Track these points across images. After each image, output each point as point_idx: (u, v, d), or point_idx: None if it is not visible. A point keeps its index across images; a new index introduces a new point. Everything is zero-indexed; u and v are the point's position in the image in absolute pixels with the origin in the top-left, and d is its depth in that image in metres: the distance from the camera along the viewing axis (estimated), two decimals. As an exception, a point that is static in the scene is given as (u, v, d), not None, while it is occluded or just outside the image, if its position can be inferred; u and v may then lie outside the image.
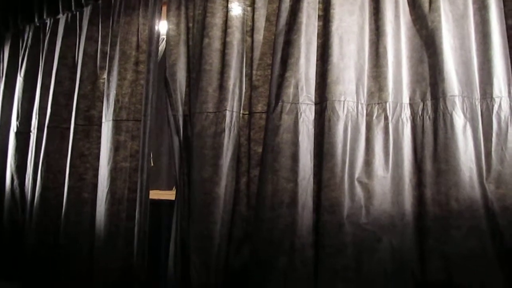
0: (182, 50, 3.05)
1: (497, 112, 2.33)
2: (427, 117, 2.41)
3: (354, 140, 2.46)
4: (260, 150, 2.71)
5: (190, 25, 3.06)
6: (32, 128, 3.84)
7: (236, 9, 2.88)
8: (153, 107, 3.20)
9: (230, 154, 2.76)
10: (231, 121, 2.78)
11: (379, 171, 2.42)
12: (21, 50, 4.15)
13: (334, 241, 2.36)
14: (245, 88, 2.85)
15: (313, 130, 2.55)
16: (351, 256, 2.35)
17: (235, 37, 2.85)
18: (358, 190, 2.41)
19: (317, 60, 2.61)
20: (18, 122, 3.98)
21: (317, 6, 2.65)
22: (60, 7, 3.79)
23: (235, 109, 2.81)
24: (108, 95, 3.28)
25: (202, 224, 2.74)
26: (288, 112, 2.54)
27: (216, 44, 2.89)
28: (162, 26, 3.34)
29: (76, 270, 3.25)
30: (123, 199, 3.12)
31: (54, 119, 3.60)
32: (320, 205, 2.43)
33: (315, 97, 2.58)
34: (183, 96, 3.00)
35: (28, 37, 4.10)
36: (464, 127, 2.32)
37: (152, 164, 3.72)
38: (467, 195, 2.25)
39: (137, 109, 3.20)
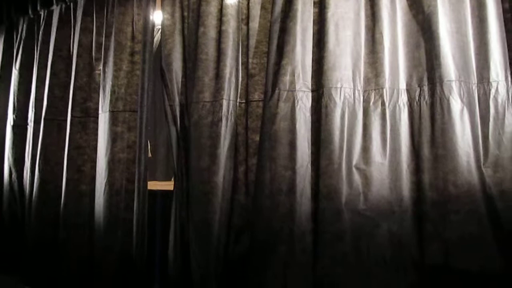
0: (177, 39, 3.03)
1: (494, 96, 2.33)
2: (424, 102, 2.40)
3: (351, 126, 2.45)
4: (257, 138, 2.70)
5: (185, 14, 3.04)
6: (28, 121, 3.83)
7: (231, -3, 2.87)
8: (150, 97, 3.20)
9: (227, 143, 2.76)
10: (228, 110, 2.78)
11: (377, 157, 2.42)
12: (16, 42, 4.12)
13: (333, 228, 2.37)
14: (242, 76, 2.84)
15: (310, 117, 2.54)
16: (350, 243, 2.36)
17: (231, 25, 2.83)
18: (356, 176, 2.41)
19: (313, 47, 2.59)
20: (14, 115, 3.97)
21: (313, -7, 2.63)
22: (54, -2, 3.77)
23: (231, 98, 2.80)
24: (104, 86, 3.27)
25: (201, 214, 2.75)
26: (285, 100, 2.54)
27: (212, 33, 2.88)
28: (157, 16, 3.32)
29: (75, 262, 3.26)
30: (121, 190, 3.12)
31: (50, 111, 3.59)
32: (318, 192, 2.44)
33: (311, 84, 2.57)
34: (180, 86, 2.99)
35: (22, 29, 4.07)
36: (461, 112, 2.31)
37: (150, 155, 3.71)
38: (465, 179, 2.26)
39: (134, 99, 3.19)
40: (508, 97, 2.32)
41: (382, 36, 2.49)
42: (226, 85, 2.79)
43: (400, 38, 2.50)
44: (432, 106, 2.37)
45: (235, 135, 2.80)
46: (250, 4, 2.84)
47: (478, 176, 2.27)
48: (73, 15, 3.64)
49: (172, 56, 3.00)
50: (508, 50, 2.38)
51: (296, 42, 2.56)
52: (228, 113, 2.77)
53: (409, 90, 2.46)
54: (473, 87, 2.36)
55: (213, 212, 2.71)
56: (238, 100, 2.82)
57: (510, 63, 2.37)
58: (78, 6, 3.60)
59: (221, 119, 2.77)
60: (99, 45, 3.42)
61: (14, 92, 4.01)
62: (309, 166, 2.49)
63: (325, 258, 2.38)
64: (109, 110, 3.19)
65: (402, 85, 2.47)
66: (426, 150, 2.36)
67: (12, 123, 3.97)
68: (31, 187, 3.64)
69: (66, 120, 3.46)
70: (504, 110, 2.31)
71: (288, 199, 2.45)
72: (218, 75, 2.82)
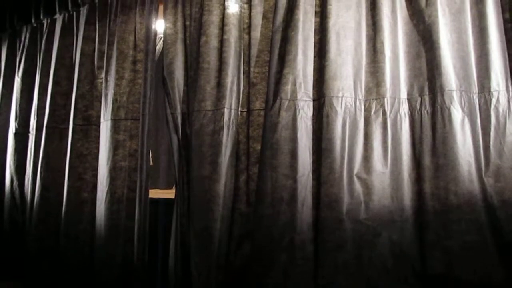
0: (179, 48, 3.04)
1: (495, 106, 2.33)
2: (425, 111, 2.41)
3: (353, 136, 2.46)
4: (259, 147, 2.71)
5: (187, 23, 3.05)
6: (30, 129, 3.85)
7: (233, 7, 2.88)
8: (151, 106, 3.21)
9: (229, 152, 2.77)
10: (229, 119, 2.78)
11: (378, 167, 2.42)
12: (19, 50, 4.15)
13: (334, 237, 2.37)
14: (243, 85, 2.84)
15: (311, 126, 2.55)
16: (351, 252, 2.35)
17: (232, 34, 2.85)
18: (357, 185, 2.41)
19: (314, 57, 2.61)
20: (16, 123, 3.98)
21: (314, 2, 2.65)
22: (57, 7, 3.79)
23: (233, 107, 2.81)
24: (106, 95, 3.28)
25: (202, 222, 2.74)
26: (286, 109, 2.54)
27: (214, 42, 2.89)
28: (159, 25, 3.34)
29: (77, 269, 3.26)
30: (122, 198, 3.13)
31: (52, 119, 3.60)
32: (319, 201, 2.44)
33: (313, 93, 2.58)
34: (181, 94, 3.00)
35: (25, 38, 4.10)
36: (462, 121, 2.32)
37: (151, 163, 3.72)
38: (466, 189, 2.26)
39: (135, 108, 3.20)
40: (509, 106, 2.32)
41: (383, 46, 2.50)
42: (227, 94, 2.80)
43: (401, 48, 2.51)
44: (433, 115, 2.38)
45: (236, 143, 2.80)
46: (251, 14, 2.85)
47: (479, 185, 2.27)
48: (76, 23, 3.67)
49: (174, 64, 3.01)
50: (509, 60, 2.38)
51: (297, 51, 2.57)
52: (229, 121, 2.78)
53: (410, 100, 2.47)
54: (474, 97, 2.37)
55: (214, 220, 2.70)
56: (239, 109, 2.82)
57: (511, 73, 2.37)
58: (80, 15, 3.62)
59: (222, 128, 2.77)
60: (101, 54, 3.43)
61: (16, 100, 4.03)
62: (310, 175, 2.49)
63: (326, 267, 2.37)
64: (111, 118, 3.20)
65: (403, 94, 2.47)
66: (427, 160, 2.36)
67: (14, 131, 3.98)
68: (32, 194, 3.64)
69: (68, 128, 3.47)
70: (505, 119, 2.31)
71: (289, 208, 2.45)
72: (220, 84, 2.83)
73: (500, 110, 2.32)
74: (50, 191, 3.51)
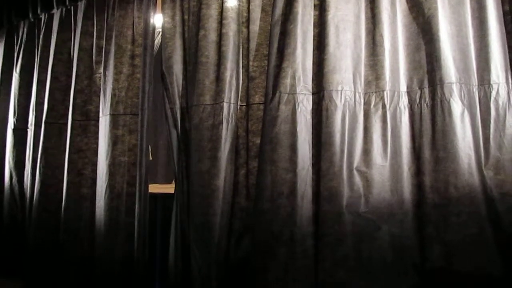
0: (178, 42, 3.04)
1: (495, 98, 2.32)
2: (425, 104, 2.40)
3: (352, 129, 2.45)
4: (258, 141, 2.70)
5: (186, 17, 3.05)
6: (29, 125, 3.84)
7: (231, 0, 2.87)
8: (150, 100, 3.20)
9: (228, 146, 2.76)
10: (228, 113, 2.78)
11: (378, 160, 2.42)
12: (16, 46, 4.13)
13: (334, 230, 2.36)
14: (242, 79, 2.84)
15: (311, 120, 2.54)
16: (351, 245, 2.35)
17: (231, 28, 2.84)
18: (357, 179, 2.41)
19: (313, 50, 2.59)
20: (15, 119, 3.97)
21: (313, -5, 2.64)
22: (54, 2, 3.77)
23: (232, 101, 2.80)
24: (104, 90, 3.27)
25: (202, 217, 2.74)
26: (285, 103, 2.53)
27: (212, 36, 2.88)
28: (157, 19, 3.33)
29: (76, 265, 3.26)
30: (122, 193, 3.12)
31: (51, 114, 3.59)
32: (319, 195, 2.43)
33: (312, 87, 2.57)
34: (180, 89, 3.00)
35: (22, 33, 4.08)
36: (462, 114, 2.31)
37: (150, 158, 3.71)
38: (466, 182, 2.25)
39: (134, 103, 3.19)
40: (509, 99, 2.32)
41: (383, 39, 2.48)
42: (226, 88, 2.79)
43: (400, 41, 2.50)
44: (432, 108, 2.37)
45: (235, 138, 2.79)
46: (250, 7, 2.84)
47: (479, 178, 2.26)
48: (74, 18, 3.65)
49: (172, 59, 3.01)
50: (509, 52, 2.38)
51: (296, 44, 2.56)
52: (228, 116, 2.77)
53: (409, 93, 2.46)
54: (474, 89, 2.36)
55: (214, 215, 2.70)
56: (238, 103, 2.82)
57: (510, 65, 2.37)
58: (78, 10, 3.61)
59: (221, 122, 2.76)
60: (99, 49, 3.42)
61: (14, 96, 4.02)
62: (310, 168, 2.49)
63: (326, 261, 2.37)
64: (110, 113, 3.19)
65: (403, 87, 2.46)
66: (427, 152, 2.35)
67: (12, 127, 3.97)
68: (31, 190, 3.64)
69: (66, 124, 3.46)
70: (505, 112, 2.30)
71: (289, 202, 2.45)
72: (219, 78, 2.82)
73: (500, 102, 2.31)
74: (50, 187, 3.50)
